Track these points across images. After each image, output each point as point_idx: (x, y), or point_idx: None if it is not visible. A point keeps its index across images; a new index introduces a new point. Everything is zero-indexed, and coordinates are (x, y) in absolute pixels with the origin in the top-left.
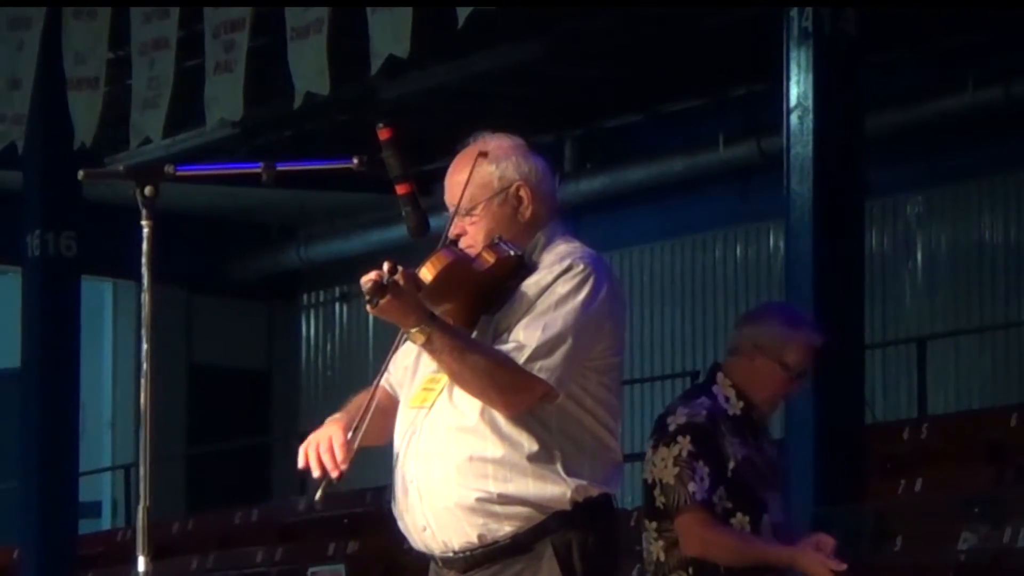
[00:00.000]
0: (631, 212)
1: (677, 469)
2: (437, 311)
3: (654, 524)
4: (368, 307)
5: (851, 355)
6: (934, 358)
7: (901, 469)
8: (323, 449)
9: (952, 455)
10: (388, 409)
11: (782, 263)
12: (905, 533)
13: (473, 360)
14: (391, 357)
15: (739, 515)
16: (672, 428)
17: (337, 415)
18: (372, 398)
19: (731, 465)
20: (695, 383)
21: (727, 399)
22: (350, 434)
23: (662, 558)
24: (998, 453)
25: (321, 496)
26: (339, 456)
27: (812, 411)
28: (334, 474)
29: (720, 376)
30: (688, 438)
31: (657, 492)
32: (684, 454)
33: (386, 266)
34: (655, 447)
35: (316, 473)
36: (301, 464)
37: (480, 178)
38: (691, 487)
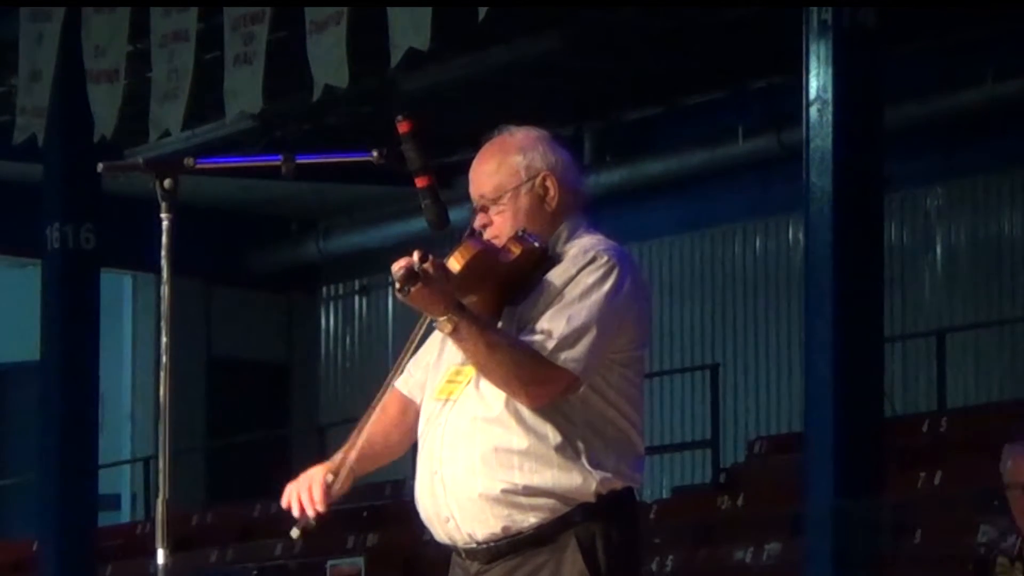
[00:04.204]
0: (650, 205)
1: None
2: (463, 302)
3: None
4: (398, 295)
5: (870, 348)
6: (953, 351)
7: (920, 462)
8: (302, 490)
9: (971, 448)
10: (398, 419)
11: (802, 256)
12: (924, 526)
13: (499, 350)
14: (404, 361)
15: None
16: None
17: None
18: (358, 435)
19: None
20: None
21: None
22: (330, 476)
23: None
24: None
25: (298, 534)
26: (316, 497)
27: (831, 404)
28: (310, 513)
29: None
30: None
31: None
32: None
33: (416, 254)
34: None
35: (295, 513)
36: (284, 504)
37: (507, 168)
38: None
